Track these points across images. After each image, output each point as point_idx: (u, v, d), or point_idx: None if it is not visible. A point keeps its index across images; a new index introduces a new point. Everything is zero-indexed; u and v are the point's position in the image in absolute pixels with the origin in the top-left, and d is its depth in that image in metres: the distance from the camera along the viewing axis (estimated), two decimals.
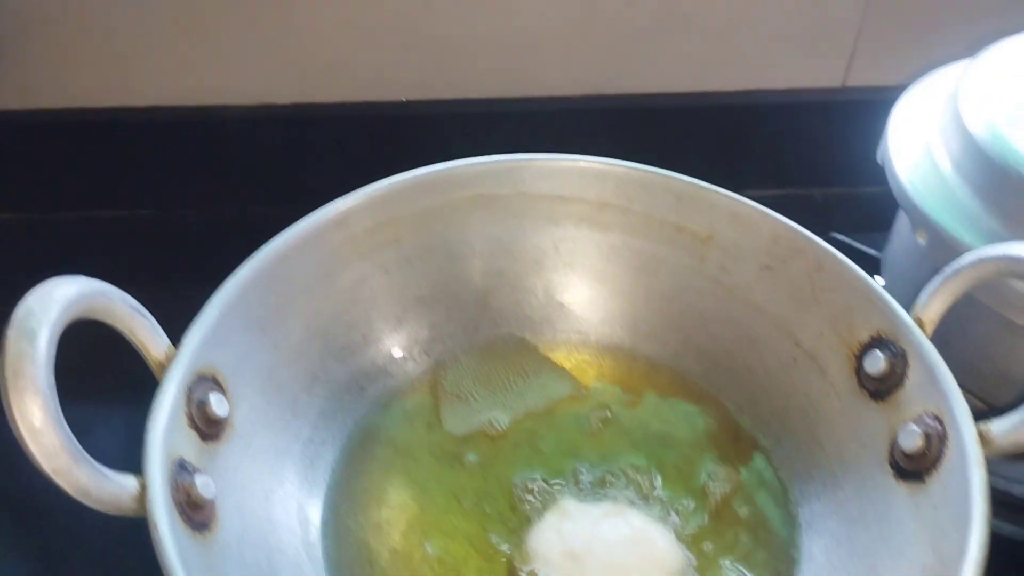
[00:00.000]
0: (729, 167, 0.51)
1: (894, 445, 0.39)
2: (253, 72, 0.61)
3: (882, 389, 0.40)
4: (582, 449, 0.44)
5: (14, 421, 0.29)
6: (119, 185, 0.65)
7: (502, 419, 0.45)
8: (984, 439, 0.35)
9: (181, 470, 0.34)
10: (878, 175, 0.49)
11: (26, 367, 0.29)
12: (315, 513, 0.41)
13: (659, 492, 0.42)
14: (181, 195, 0.65)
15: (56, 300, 0.31)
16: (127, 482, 0.32)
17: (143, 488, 0.32)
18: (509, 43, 0.61)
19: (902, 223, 0.50)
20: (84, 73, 0.60)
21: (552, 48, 0.61)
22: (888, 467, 0.39)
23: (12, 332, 0.30)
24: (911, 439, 0.37)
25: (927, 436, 0.37)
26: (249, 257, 0.41)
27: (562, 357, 0.48)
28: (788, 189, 0.69)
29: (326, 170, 0.53)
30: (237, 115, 0.62)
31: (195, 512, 0.34)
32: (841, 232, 0.58)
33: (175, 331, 0.37)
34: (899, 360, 0.39)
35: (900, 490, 0.38)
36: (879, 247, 0.55)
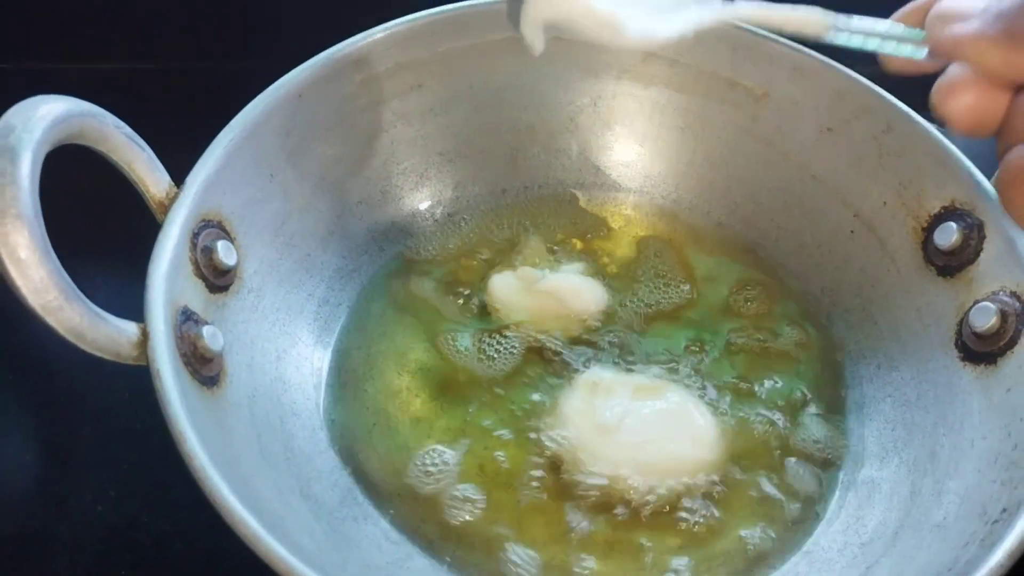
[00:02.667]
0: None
1: (962, 325, 0.36)
2: None
3: (952, 264, 0.37)
4: (614, 318, 0.41)
5: None
6: (115, 36, 0.59)
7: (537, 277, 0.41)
8: None
9: (187, 319, 0.31)
10: None
11: (7, 189, 0.25)
12: (331, 376, 0.38)
13: (697, 367, 0.40)
14: (185, 47, 0.60)
15: (40, 117, 0.27)
16: (127, 327, 0.29)
17: (144, 335, 0.29)
18: None
19: None
20: None
21: None
22: (953, 348, 0.36)
23: None
24: (984, 318, 0.34)
25: (1003, 314, 0.34)
26: (260, 94, 0.37)
27: (596, 224, 0.45)
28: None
29: (341, 21, 0.48)
30: None
31: (202, 365, 0.31)
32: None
33: (178, 178, 0.33)
34: (974, 232, 0.36)
35: (966, 373, 0.35)
36: None
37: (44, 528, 0.41)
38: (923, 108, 0.50)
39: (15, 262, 0.25)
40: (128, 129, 0.31)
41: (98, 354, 0.28)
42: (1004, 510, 0.29)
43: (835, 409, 0.39)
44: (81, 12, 0.58)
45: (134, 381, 0.44)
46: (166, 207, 0.32)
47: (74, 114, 0.28)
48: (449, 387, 0.38)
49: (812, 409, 0.39)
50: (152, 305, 0.29)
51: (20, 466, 0.43)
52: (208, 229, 0.33)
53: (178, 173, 0.34)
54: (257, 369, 0.34)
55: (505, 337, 0.40)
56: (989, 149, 0.38)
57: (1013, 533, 0.27)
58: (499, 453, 0.37)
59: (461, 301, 0.41)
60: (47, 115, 0.27)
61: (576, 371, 0.39)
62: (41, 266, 0.26)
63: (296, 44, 0.45)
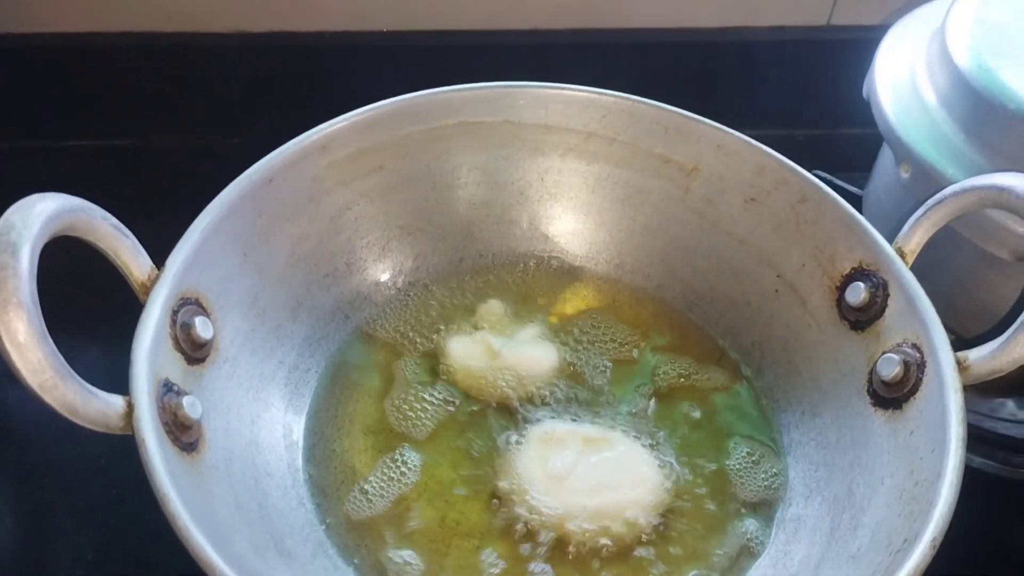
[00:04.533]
0: (709, 107, 0.50)
1: (872, 374, 0.40)
2: None
3: (862, 320, 0.41)
4: (565, 376, 0.44)
5: None
6: (93, 114, 0.63)
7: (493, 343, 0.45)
8: (961, 366, 0.36)
9: (167, 391, 0.34)
10: (858, 117, 0.49)
11: (8, 280, 0.28)
12: (301, 438, 0.41)
13: (642, 419, 0.43)
14: (157, 125, 0.63)
15: (37, 214, 0.30)
16: (114, 400, 0.31)
17: (130, 407, 0.31)
18: None
19: (885, 159, 0.50)
20: None
21: None
22: (866, 395, 0.40)
23: None
24: (890, 367, 0.38)
25: (905, 364, 0.38)
26: (234, 180, 0.40)
27: (546, 289, 0.48)
28: (768, 130, 0.69)
29: (305, 102, 0.52)
30: (211, 43, 0.60)
31: (182, 432, 0.33)
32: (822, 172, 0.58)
33: (157, 258, 0.36)
34: (880, 291, 0.40)
35: (877, 417, 0.39)
36: (860, 187, 0.55)
37: None
38: (838, 173, 0.54)
39: (15, 346, 0.28)
40: (114, 220, 0.34)
41: (89, 427, 0.30)
42: (905, 540, 0.32)
43: (768, 454, 0.42)
44: (60, 91, 0.61)
45: (108, 449, 0.46)
46: (148, 288, 0.35)
47: (66, 210, 0.31)
48: (411, 446, 0.41)
49: (747, 454, 0.42)
50: (136, 379, 0.32)
51: (0, 535, 0.45)
52: (187, 306, 0.36)
53: (153, 243, 0.36)
54: (233, 433, 0.37)
55: (462, 397, 0.43)
56: (890, 221, 0.43)
57: (910, 562, 0.31)
58: (458, 504, 0.39)
59: (421, 365, 0.44)
60: (43, 212, 0.30)
61: (530, 425, 0.42)
62: (39, 349, 0.28)
63: (266, 123, 0.48)
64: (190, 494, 0.31)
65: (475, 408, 0.43)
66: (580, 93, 0.46)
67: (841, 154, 0.63)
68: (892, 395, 0.38)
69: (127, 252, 0.35)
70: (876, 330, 0.40)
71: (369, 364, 0.44)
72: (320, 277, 0.44)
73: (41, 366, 0.29)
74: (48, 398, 0.29)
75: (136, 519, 0.45)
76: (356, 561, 0.37)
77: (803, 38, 0.64)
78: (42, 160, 0.62)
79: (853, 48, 0.54)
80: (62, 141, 0.63)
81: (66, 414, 0.30)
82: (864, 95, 0.48)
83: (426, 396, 0.43)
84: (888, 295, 0.39)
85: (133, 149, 0.63)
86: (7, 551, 0.45)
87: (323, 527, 0.38)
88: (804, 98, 0.66)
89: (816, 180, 0.43)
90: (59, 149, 0.62)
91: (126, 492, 0.46)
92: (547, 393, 0.43)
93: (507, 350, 0.44)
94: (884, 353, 0.39)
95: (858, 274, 0.41)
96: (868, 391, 0.40)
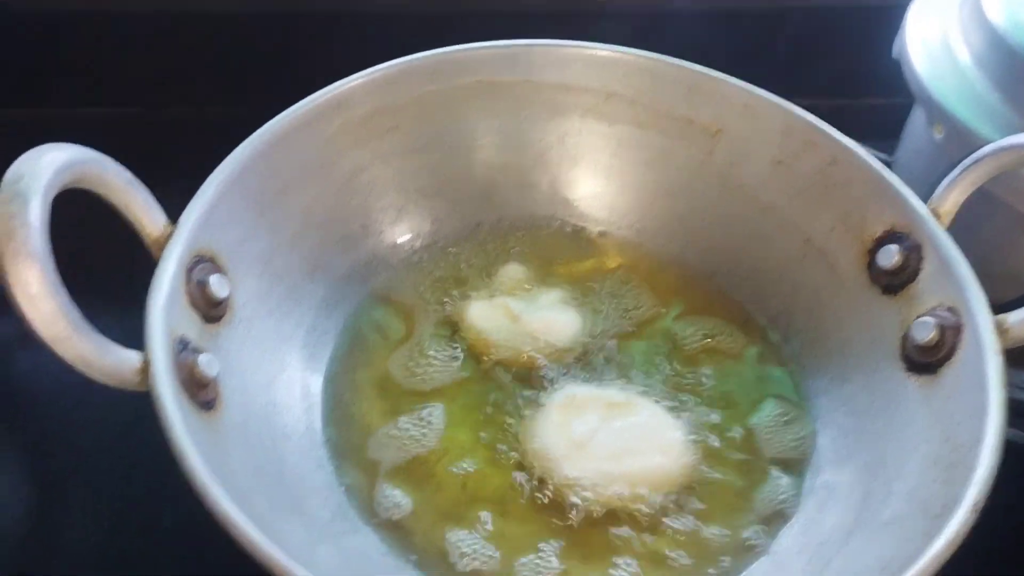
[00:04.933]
0: (732, 76, 0.49)
1: (906, 339, 0.38)
2: None
3: (895, 283, 0.40)
4: (587, 341, 0.43)
5: (9, 288, 0.27)
6: (103, 82, 0.61)
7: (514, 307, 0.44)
8: (1001, 329, 0.35)
9: (184, 348, 0.33)
10: (884, 86, 0.48)
11: (18, 230, 0.27)
12: (319, 399, 0.40)
13: (665, 384, 0.42)
14: (169, 93, 0.62)
15: (47, 164, 0.29)
16: (129, 355, 0.31)
17: (146, 362, 0.31)
18: None
19: (915, 122, 0.49)
20: None
21: None
22: (899, 361, 0.39)
23: (2, 196, 0.28)
24: (924, 332, 0.37)
25: (941, 328, 0.37)
26: (247, 139, 0.39)
27: (567, 253, 0.47)
28: (792, 99, 0.68)
29: (319, 70, 0.50)
30: (223, 9, 0.59)
31: (199, 390, 0.33)
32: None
33: (171, 216, 0.35)
34: (913, 253, 0.39)
35: (910, 383, 0.38)
36: (888, 154, 0.54)
37: (41, 562, 0.42)
38: (863, 141, 0.53)
39: (27, 297, 0.27)
40: (127, 173, 0.33)
41: (103, 381, 0.30)
42: (944, 505, 0.31)
43: (800, 415, 0.41)
44: (77, 59, 0.60)
45: (123, 417, 0.45)
46: (162, 244, 0.34)
47: (77, 161, 0.30)
48: (429, 409, 0.40)
49: (777, 419, 0.41)
50: (152, 335, 0.31)
51: (14, 504, 0.44)
52: (202, 264, 0.35)
53: (165, 208, 0.35)
54: (250, 394, 0.36)
55: (482, 361, 0.42)
56: (922, 184, 0.41)
57: (951, 526, 0.30)
58: (480, 469, 0.39)
59: (439, 329, 0.43)
60: (53, 162, 0.29)
61: (551, 390, 0.41)
62: (51, 299, 0.28)
63: (280, 88, 0.47)
64: (207, 451, 0.30)
65: (495, 373, 0.42)
66: (600, 52, 0.45)
67: (868, 123, 0.61)
68: (927, 360, 0.37)
69: (140, 207, 0.34)
70: (909, 294, 0.39)
71: (387, 327, 0.43)
72: (336, 239, 0.43)
73: (54, 317, 0.28)
74: (61, 350, 0.28)
75: (151, 488, 0.44)
76: (375, 522, 0.37)
77: (827, 4, 0.63)
78: (52, 127, 0.61)
79: (878, 15, 0.53)
80: (71, 108, 0.62)
81: (80, 367, 0.29)
82: (894, 55, 0.47)
83: (444, 360, 0.42)
84: (922, 258, 0.38)
85: (143, 117, 0.62)
86: (21, 522, 0.44)
87: (343, 488, 0.37)
88: (828, 67, 0.64)
89: (847, 140, 0.42)
90: (68, 116, 0.61)
91: (141, 461, 0.45)
92: (568, 358, 0.42)
93: (527, 315, 0.43)
94: (918, 317, 0.38)
95: (891, 237, 0.40)
96: (901, 356, 0.38)
